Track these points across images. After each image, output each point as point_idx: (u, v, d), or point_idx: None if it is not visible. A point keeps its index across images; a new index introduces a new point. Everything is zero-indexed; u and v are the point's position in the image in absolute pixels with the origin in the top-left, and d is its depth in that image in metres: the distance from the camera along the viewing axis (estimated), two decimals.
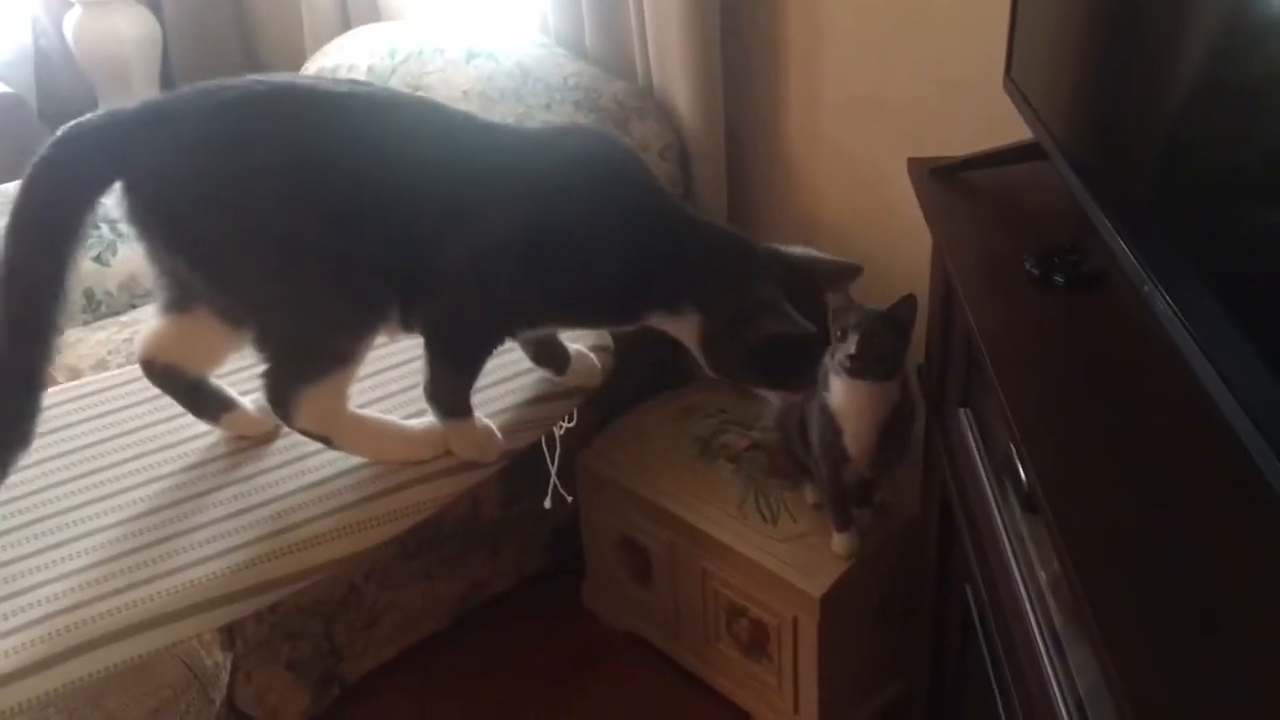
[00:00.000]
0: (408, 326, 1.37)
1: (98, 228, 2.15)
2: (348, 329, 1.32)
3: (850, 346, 1.49)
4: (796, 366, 1.39)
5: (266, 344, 1.33)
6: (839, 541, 1.75)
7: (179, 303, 1.38)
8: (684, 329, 1.36)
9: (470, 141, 1.35)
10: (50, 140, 1.25)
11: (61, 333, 1.26)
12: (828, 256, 1.42)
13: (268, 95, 1.28)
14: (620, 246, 1.32)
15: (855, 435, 1.62)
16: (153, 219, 1.28)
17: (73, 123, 1.27)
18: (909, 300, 1.51)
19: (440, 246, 1.30)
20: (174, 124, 1.26)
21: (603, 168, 1.36)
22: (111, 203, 1.27)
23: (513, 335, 1.41)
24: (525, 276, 1.32)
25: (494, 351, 1.39)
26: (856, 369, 1.51)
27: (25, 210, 1.22)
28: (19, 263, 1.21)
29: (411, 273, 1.31)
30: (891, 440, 1.64)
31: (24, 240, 1.21)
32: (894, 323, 1.51)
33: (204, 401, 1.43)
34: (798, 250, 1.41)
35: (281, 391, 1.34)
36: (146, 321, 1.45)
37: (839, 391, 1.58)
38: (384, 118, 1.32)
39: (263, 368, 1.34)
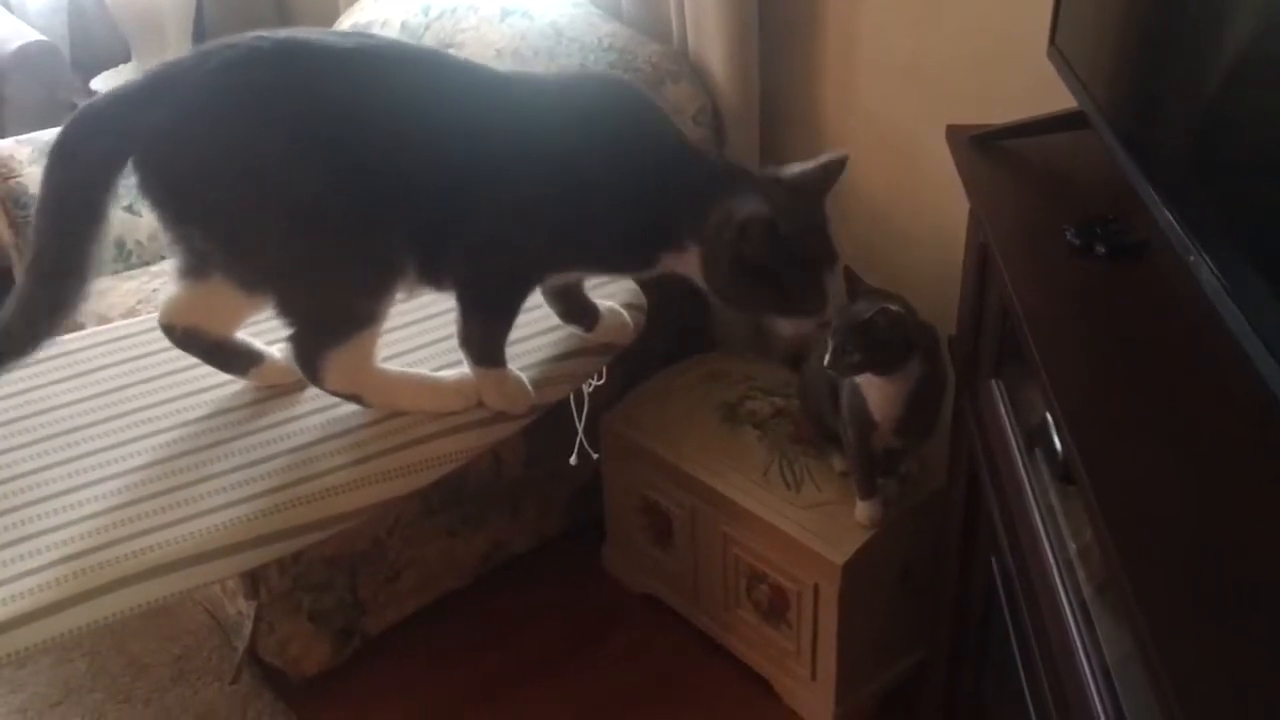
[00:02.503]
0: (428, 280, 1.36)
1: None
2: (367, 288, 1.31)
3: (826, 355, 1.54)
4: (800, 287, 1.32)
5: (288, 310, 1.33)
6: (862, 510, 1.75)
7: (196, 269, 1.38)
8: (692, 265, 1.32)
9: (481, 92, 1.33)
10: (63, 126, 1.26)
11: (76, 312, 1.29)
12: (812, 162, 1.36)
13: (270, 52, 1.26)
14: (628, 190, 1.30)
15: (880, 404, 1.62)
16: (162, 190, 1.27)
17: (84, 104, 1.28)
18: (882, 312, 1.51)
19: (459, 198, 1.29)
20: (176, 92, 1.24)
21: (613, 112, 1.35)
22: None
23: (540, 281, 1.40)
24: (544, 224, 1.31)
25: (525, 297, 1.38)
26: (835, 371, 1.56)
27: (46, 197, 1.26)
28: (42, 247, 1.25)
29: (428, 226, 1.30)
30: (919, 409, 1.63)
31: (47, 226, 1.26)
32: (867, 330, 1.52)
33: (230, 358, 1.43)
34: (793, 168, 1.37)
35: (308, 355, 1.33)
36: (164, 286, 1.45)
37: None
38: (392, 71, 1.30)
39: (287, 332, 1.33)
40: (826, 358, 1.55)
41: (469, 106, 1.32)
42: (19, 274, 2.33)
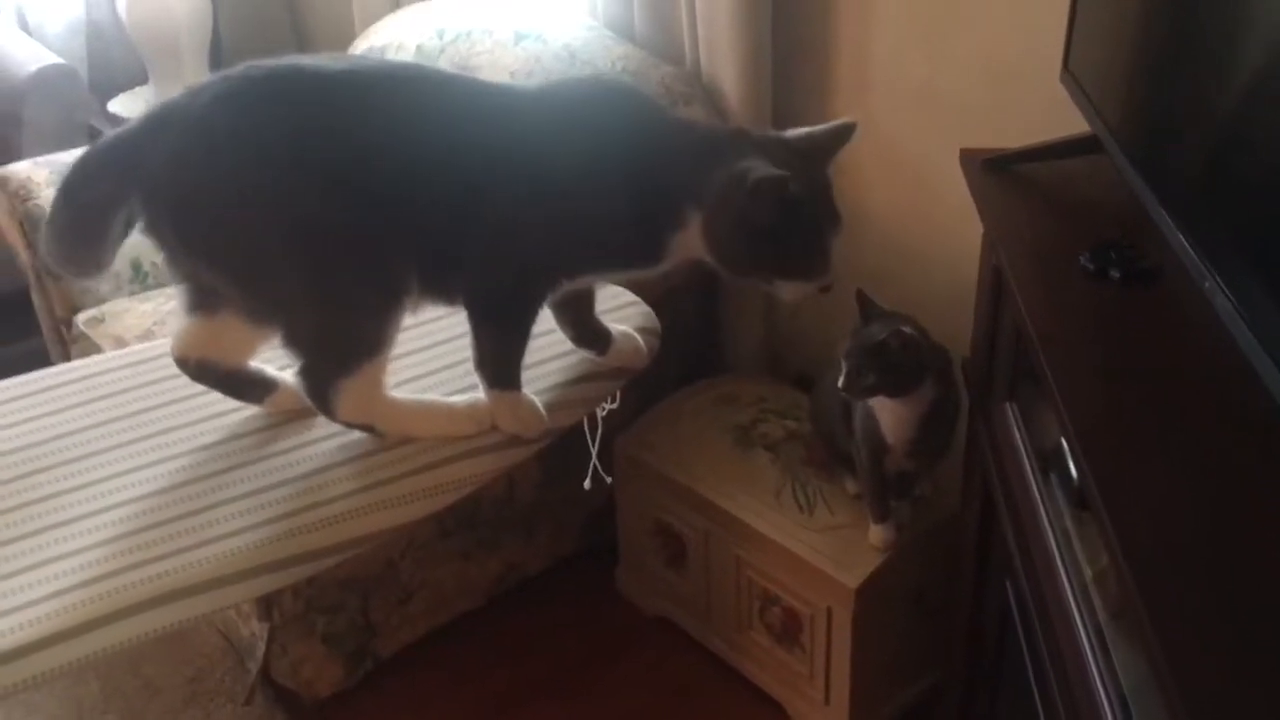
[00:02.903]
0: (437, 296, 1.37)
1: None
2: (372, 313, 1.32)
3: (840, 378, 1.55)
4: (805, 249, 1.29)
5: (295, 342, 1.33)
6: (876, 533, 1.74)
7: (204, 304, 1.38)
8: (695, 239, 1.30)
9: (471, 104, 1.34)
10: (66, 173, 1.29)
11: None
12: (820, 127, 1.35)
13: (262, 81, 1.27)
14: (625, 178, 1.30)
15: (893, 426, 1.62)
16: (166, 226, 1.28)
17: (87, 147, 1.31)
18: (895, 335, 1.52)
19: (460, 212, 1.30)
20: (173, 129, 1.26)
21: (600, 107, 1.35)
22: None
23: (552, 289, 1.39)
24: (546, 227, 1.31)
25: (537, 310, 1.38)
26: (850, 394, 1.58)
27: (50, 240, 1.30)
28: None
29: (431, 242, 1.31)
30: (932, 431, 1.63)
31: (51, 264, 1.33)
32: (880, 353, 1.52)
33: (245, 387, 1.43)
34: (799, 131, 1.35)
35: (319, 387, 1.34)
36: (175, 320, 1.46)
37: None
38: (382, 91, 1.31)
39: (297, 365, 1.34)
40: (840, 380, 1.55)
41: (460, 120, 1.32)
42: (36, 295, 2.35)
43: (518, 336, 1.38)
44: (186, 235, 1.29)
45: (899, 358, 1.52)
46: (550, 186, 1.30)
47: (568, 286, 1.41)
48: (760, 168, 1.24)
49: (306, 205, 1.25)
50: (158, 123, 1.28)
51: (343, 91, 1.29)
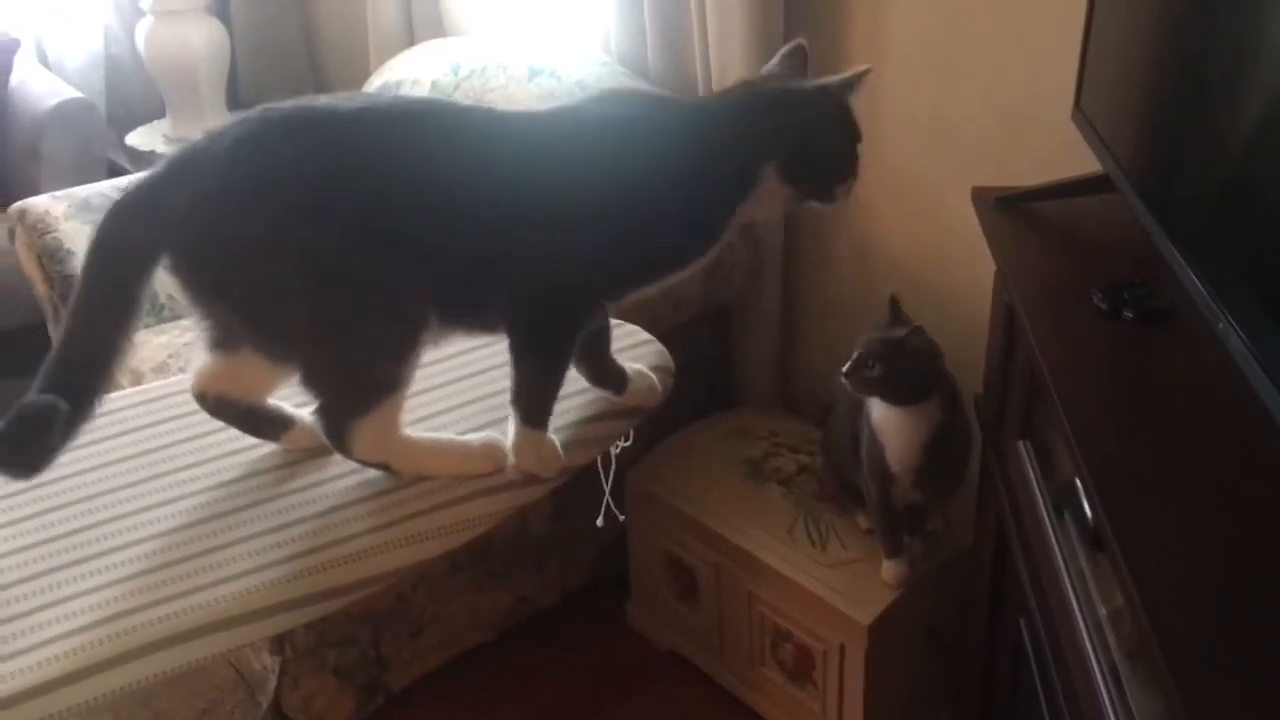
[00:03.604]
0: (456, 329, 1.38)
1: None
2: (390, 353, 1.32)
3: (847, 364, 1.58)
4: (853, 149, 1.39)
5: (313, 381, 1.34)
6: (889, 569, 1.74)
7: (225, 341, 1.39)
8: (771, 191, 1.36)
9: (496, 134, 1.35)
10: (100, 220, 1.30)
11: (108, 390, 1.30)
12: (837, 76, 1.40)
13: (279, 123, 1.29)
14: (674, 174, 1.32)
15: (897, 452, 1.62)
16: (190, 269, 1.29)
17: (117, 199, 1.32)
18: (916, 330, 1.55)
19: (491, 244, 1.31)
20: (195, 173, 1.27)
21: (627, 115, 1.38)
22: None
23: (594, 316, 1.41)
24: (594, 248, 1.32)
25: (579, 335, 1.39)
26: (851, 384, 1.59)
27: (81, 290, 1.29)
28: (74, 335, 1.28)
29: (455, 278, 1.32)
30: (939, 461, 1.63)
31: (78, 316, 1.29)
32: (896, 349, 1.55)
33: (262, 424, 1.44)
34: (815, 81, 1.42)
35: (336, 427, 1.35)
36: (194, 356, 1.47)
37: (876, 405, 1.63)
38: (400, 126, 1.31)
39: (314, 405, 1.35)
40: (846, 366, 1.57)
41: (483, 150, 1.33)
42: (53, 330, 2.36)
43: (558, 368, 1.39)
44: (206, 275, 1.30)
45: (910, 359, 1.54)
46: (595, 203, 1.31)
47: (608, 307, 1.43)
48: (823, 81, 1.34)
49: (324, 246, 1.26)
50: (182, 167, 1.30)
51: (360, 131, 1.30)
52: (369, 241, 1.27)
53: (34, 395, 1.25)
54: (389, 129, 1.31)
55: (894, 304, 1.64)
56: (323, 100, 1.34)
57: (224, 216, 1.26)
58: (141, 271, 1.29)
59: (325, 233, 1.26)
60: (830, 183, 1.38)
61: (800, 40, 1.42)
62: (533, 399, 1.38)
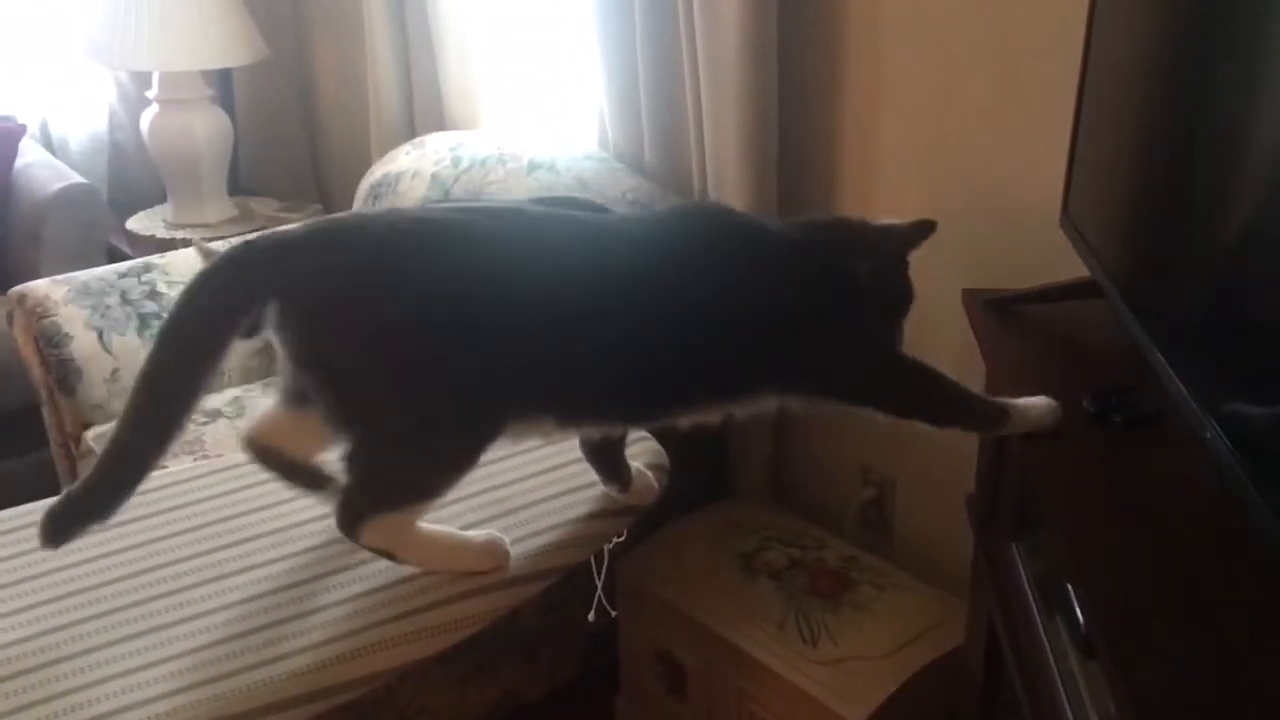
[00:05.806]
0: (571, 426, 1.43)
1: None
2: (448, 468, 1.34)
3: None
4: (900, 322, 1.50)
5: (359, 465, 1.33)
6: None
7: (299, 402, 1.40)
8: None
9: (610, 241, 1.39)
10: (218, 255, 1.31)
11: (182, 433, 1.30)
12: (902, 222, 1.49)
13: (436, 232, 1.31)
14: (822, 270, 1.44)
15: None
16: (295, 333, 1.30)
17: (241, 241, 1.33)
18: None
19: (620, 347, 1.34)
20: (340, 249, 1.31)
21: (737, 227, 1.48)
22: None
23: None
24: (788, 346, 1.43)
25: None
26: None
27: (177, 319, 1.29)
28: (159, 364, 1.27)
29: (564, 387, 1.35)
30: None
31: (170, 345, 1.28)
32: None
33: (300, 476, 1.44)
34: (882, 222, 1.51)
35: (359, 511, 1.34)
36: (263, 400, 1.47)
37: None
38: (535, 249, 1.34)
39: (346, 481, 1.35)
40: None
41: (615, 263, 1.36)
42: (47, 410, 2.36)
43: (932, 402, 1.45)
44: (310, 348, 1.31)
45: None
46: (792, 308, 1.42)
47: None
48: (899, 228, 1.48)
49: (429, 355, 1.28)
50: (324, 240, 1.32)
51: (509, 254, 1.33)
52: (474, 363, 1.29)
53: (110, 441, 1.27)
54: (526, 249, 1.34)
55: None
56: (480, 211, 1.39)
57: (355, 297, 1.28)
58: (236, 318, 1.29)
59: (434, 345, 1.28)
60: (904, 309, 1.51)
61: (931, 221, 1.48)
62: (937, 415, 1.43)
